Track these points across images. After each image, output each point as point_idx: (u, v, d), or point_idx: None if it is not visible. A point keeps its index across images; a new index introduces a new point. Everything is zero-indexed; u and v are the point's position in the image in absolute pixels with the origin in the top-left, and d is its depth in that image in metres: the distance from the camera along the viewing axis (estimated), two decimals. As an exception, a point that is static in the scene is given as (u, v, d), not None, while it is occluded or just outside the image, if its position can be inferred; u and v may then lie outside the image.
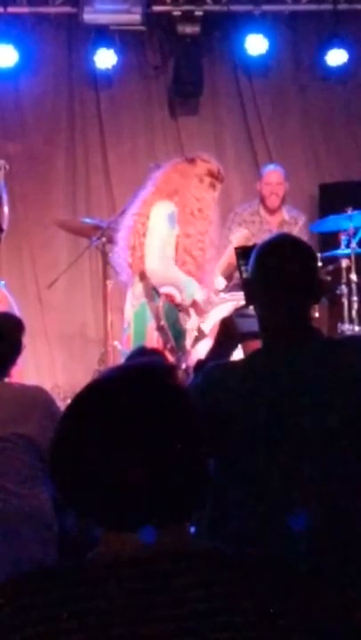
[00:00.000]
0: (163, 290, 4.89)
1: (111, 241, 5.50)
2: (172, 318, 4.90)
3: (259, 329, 2.33)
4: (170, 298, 4.91)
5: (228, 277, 5.69)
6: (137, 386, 1.34)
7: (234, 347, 2.72)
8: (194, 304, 5.02)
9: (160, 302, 4.88)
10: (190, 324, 5.04)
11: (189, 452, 1.32)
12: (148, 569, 1.26)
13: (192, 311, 5.05)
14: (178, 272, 4.92)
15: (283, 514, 2.07)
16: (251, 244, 4.01)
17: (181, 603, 1.23)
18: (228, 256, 5.58)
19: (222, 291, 5.54)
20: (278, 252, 2.29)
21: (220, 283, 5.56)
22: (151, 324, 4.90)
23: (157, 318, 4.86)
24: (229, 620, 1.22)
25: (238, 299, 5.08)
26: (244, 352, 3.28)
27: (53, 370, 7.04)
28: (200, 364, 2.57)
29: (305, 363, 2.21)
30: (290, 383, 2.18)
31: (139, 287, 4.97)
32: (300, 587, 1.28)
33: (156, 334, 4.89)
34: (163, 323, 4.86)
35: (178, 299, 4.92)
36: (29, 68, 7.07)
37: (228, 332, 2.66)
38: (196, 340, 5.07)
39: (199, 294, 5.04)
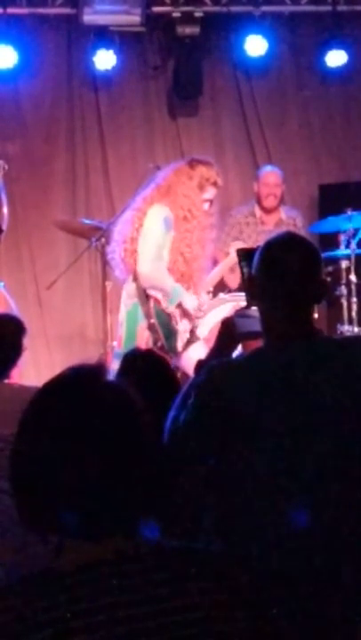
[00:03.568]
0: (150, 292, 4.98)
1: (110, 242, 5.52)
2: (164, 317, 4.98)
3: (260, 328, 2.33)
4: (156, 301, 4.99)
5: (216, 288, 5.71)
6: (70, 389, 1.39)
7: (234, 347, 2.73)
8: (180, 307, 5.05)
9: (151, 302, 4.97)
10: (182, 325, 5.09)
11: (131, 449, 1.33)
12: (115, 571, 1.26)
13: (180, 315, 5.08)
14: (168, 278, 4.99)
15: (286, 510, 2.07)
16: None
17: (152, 600, 1.24)
18: (221, 269, 5.62)
19: (204, 309, 5.45)
20: (285, 248, 2.31)
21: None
22: (142, 324, 5.00)
23: (148, 316, 4.94)
24: (199, 615, 1.24)
25: (238, 299, 5.09)
26: (244, 352, 3.28)
27: (53, 370, 6.88)
28: (201, 365, 2.56)
29: (306, 361, 2.21)
30: (291, 381, 2.18)
31: (132, 287, 5.07)
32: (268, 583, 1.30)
33: (146, 334, 4.98)
34: (153, 320, 4.94)
35: (163, 304, 5.00)
36: (29, 69, 7.06)
37: (228, 333, 2.66)
38: (188, 342, 5.11)
39: (190, 302, 5.07)
